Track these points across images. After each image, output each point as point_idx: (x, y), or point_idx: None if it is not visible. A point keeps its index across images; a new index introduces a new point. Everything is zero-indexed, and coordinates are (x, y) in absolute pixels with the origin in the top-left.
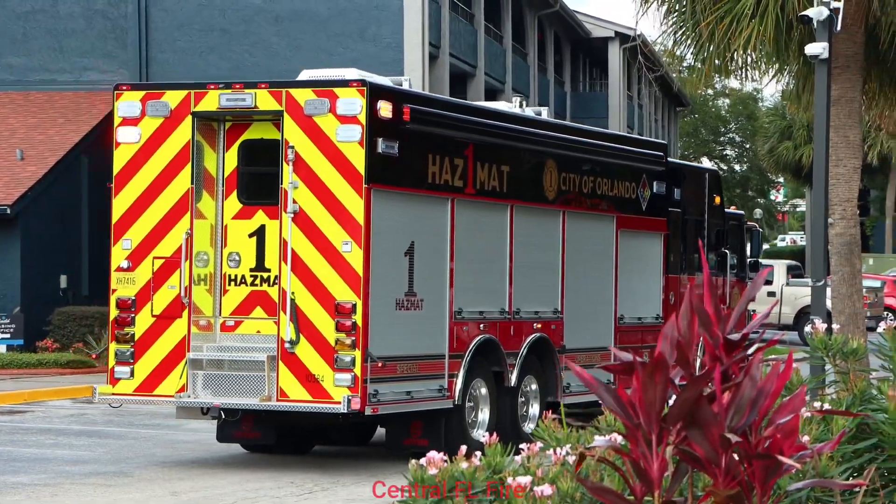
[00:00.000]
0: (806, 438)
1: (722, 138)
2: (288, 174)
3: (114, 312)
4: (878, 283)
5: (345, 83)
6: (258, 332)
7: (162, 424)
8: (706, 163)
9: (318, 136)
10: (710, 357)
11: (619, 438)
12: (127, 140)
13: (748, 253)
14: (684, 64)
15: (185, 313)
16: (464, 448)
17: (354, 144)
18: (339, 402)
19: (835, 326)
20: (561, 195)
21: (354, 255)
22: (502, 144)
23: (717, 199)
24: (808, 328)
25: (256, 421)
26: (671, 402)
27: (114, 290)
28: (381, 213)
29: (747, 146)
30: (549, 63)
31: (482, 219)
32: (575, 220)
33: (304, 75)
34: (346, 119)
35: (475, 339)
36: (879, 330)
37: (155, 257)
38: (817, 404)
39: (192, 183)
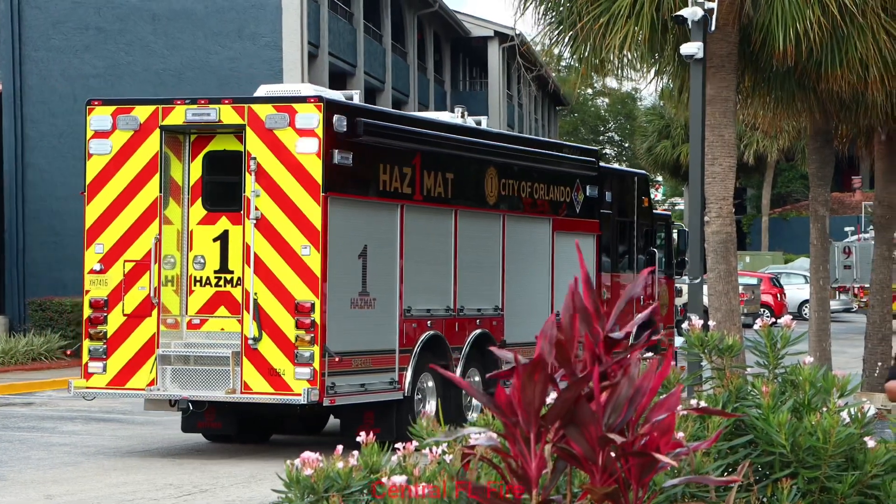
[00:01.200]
0: (682, 435)
1: (601, 137)
2: (251, 183)
3: (87, 312)
4: (754, 281)
5: (303, 99)
6: (222, 329)
7: (37, 427)
8: None
9: (278, 147)
10: (589, 355)
11: (496, 437)
12: (99, 151)
13: (675, 252)
14: (563, 63)
15: (155, 312)
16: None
17: (312, 156)
18: (300, 395)
19: (711, 323)
20: (501, 200)
21: (313, 258)
22: (447, 153)
23: (646, 201)
24: (684, 325)
25: (218, 412)
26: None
27: (87, 291)
28: (336, 218)
29: (626, 145)
30: (428, 62)
31: (429, 223)
32: (514, 222)
33: (262, 90)
34: (304, 132)
35: (423, 335)
36: (755, 327)
37: (126, 260)
38: (694, 402)
39: (160, 191)
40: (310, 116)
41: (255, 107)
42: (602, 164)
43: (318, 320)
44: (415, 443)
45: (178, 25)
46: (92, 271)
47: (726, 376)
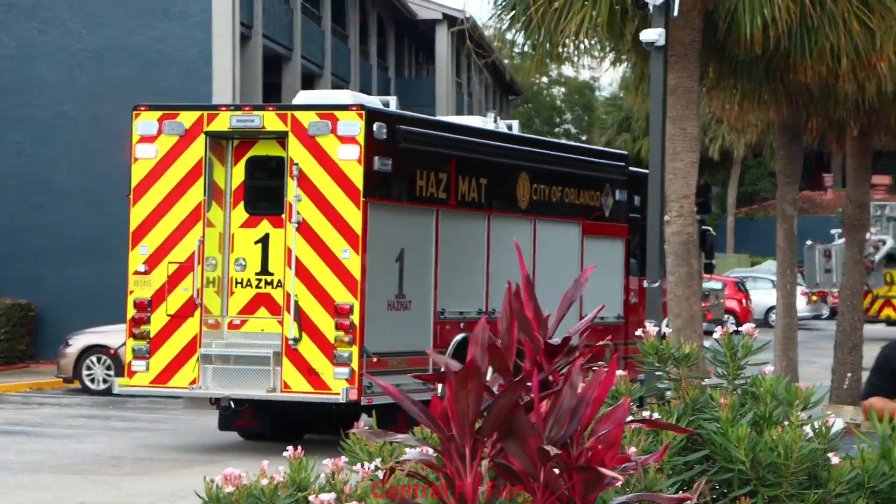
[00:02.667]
0: (633, 450)
1: (557, 129)
2: (293, 188)
3: (131, 312)
4: (718, 285)
5: (345, 107)
6: (262, 329)
7: None
8: None
9: (320, 154)
10: (530, 363)
11: (432, 451)
12: (144, 156)
13: (703, 255)
14: (516, 50)
15: (197, 313)
16: None
17: (353, 162)
18: (339, 394)
19: (667, 330)
20: (532, 204)
21: (353, 262)
22: (481, 159)
23: None
24: (638, 331)
25: (255, 411)
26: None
27: (131, 292)
28: (376, 223)
29: (584, 138)
30: (371, 47)
31: (463, 227)
32: (545, 226)
33: (301, 97)
34: (346, 139)
35: (456, 336)
36: (715, 335)
37: (170, 262)
38: (646, 413)
39: (204, 195)
40: (352, 124)
41: (298, 114)
42: (631, 168)
43: (356, 322)
44: (345, 458)
45: (98, 3)
46: (136, 272)
47: (682, 387)
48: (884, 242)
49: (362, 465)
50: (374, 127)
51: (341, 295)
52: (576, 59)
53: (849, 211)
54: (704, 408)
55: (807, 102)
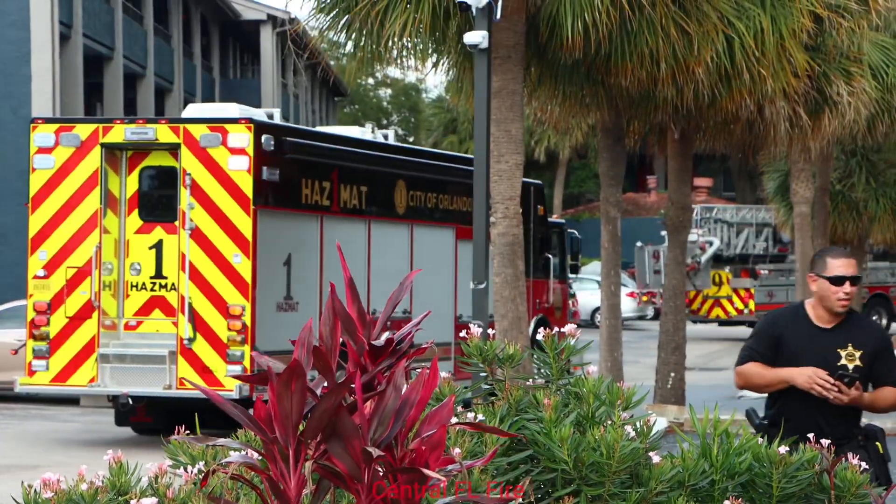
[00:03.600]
0: (458, 451)
1: (384, 131)
2: (185, 197)
3: (31, 314)
4: None
5: (235, 120)
6: (157, 330)
7: None
8: None
9: (211, 164)
10: (353, 365)
11: (256, 455)
12: (42, 166)
13: (568, 257)
14: (342, 51)
15: (95, 314)
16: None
17: (243, 172)
18: (232, 390)
19: (491, 332)
20: (409, 210)
21: (244, 266)
22: (361, 168)
23: (542, 210)
24: (462, 333)
25: (150, 408)
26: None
27: (30, 295)
28: (265, 229)
29: (410, 140)
30: (195, 47)
31: (345, 232)
32: (421, 231)
33: (192, 109)
34: (236, 151)
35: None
36: (539, 336)
37: (68, 266)
38: (471, 415)
39: (100, 203)
40: (241, 136)
41: (190, 127)
42: None
43: (248, 322)
44: (168, 462)
45: None
46: (36, 277)
47: (505, 388)
48: (711, 244)
49: (185, 469)
50: (263, 139)
51: (233, 297)
52: (399, 60)
53: (671, 213)
54: (528, 408)
55: (628, 106)
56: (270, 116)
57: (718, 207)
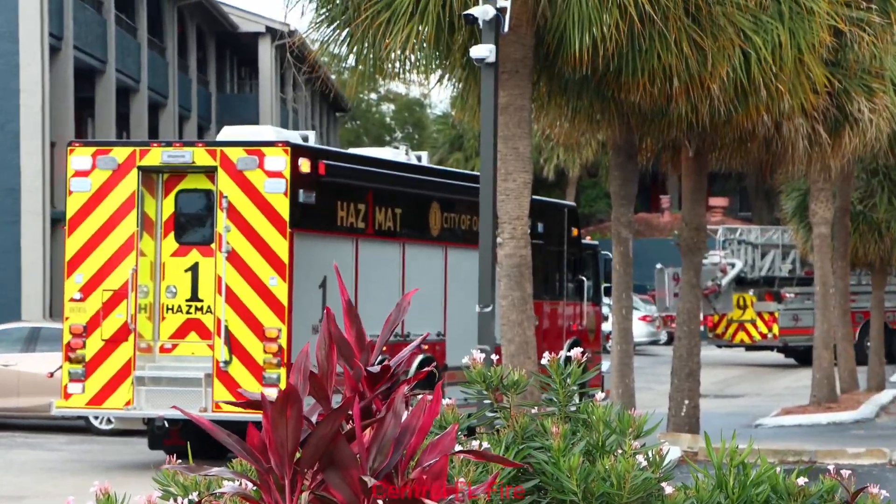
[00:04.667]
0: (462, 481)
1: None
2: (222, 220)
3: (67, 337)
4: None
5: (272, 143)
6: (192, 353)
7: None
8: None
9: (248, 187)
10: (350, 391)
11: (251, 485)
12: (79, 189)
13: (602, 279)
14: (343, 64)
15: (131, 337)
16: None
17: (280, 195)
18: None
19: (495, 357)
20: (443, 232)
21: (280, 289)
22: (396, 190)
23: (575, 231)
24: (465, 359)
25: (183, 431)
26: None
27: (67, 318)
28: (301, 252)
29: None
30: (190, 60)
31: (380, 254)
32: (455, 253)
33: (226, 132)
34: (272, 174)
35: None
36: (544, 360)
37: (104, 290)
38: (475, 443)
39: (137, 226)
40: (278, 159)
41: (227, 150)
42: (534, 196)
43: (284, 345)
44: (158, 493)
45: None
46: (72, 300)
47: (511, 415)
48: (733, 266)
49: (175, 500)
50: (299, 162)
51: (269, 320)
52: (403, 75)
53: (685, 233)
54: (535, 436)
55: (640, 122)
56: (305, 139)
57: (743, 228)
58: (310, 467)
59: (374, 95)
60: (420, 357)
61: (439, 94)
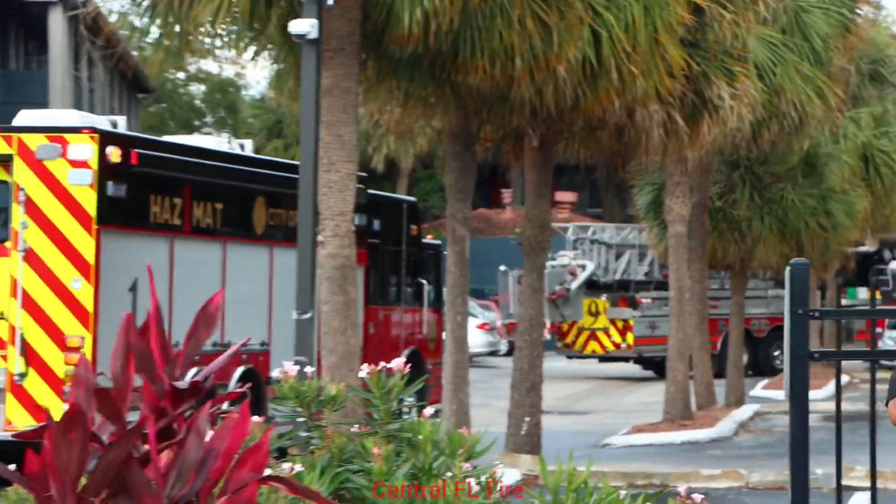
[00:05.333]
0: None
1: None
2: (19, 215)
3: None
4: None
5: (76, 130)
6: None
7: None
8: None
9: (48, 178)
10: (148, 408)
11: None
12: None
13: (444, 283)
14: (146, 39)
15: None
16: None
17: (85, 188)
18: None
19: (309, 369)
20: (269, 230)
21: (84, 292)
22: (216, 183)
23: (415, 230)
24: (275, 372)
25: None
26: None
27: None
28: (109, 251)
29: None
30: None
31: (199, 255)
32: (282, 253)
33: (23, 117)
34: (77, 163)
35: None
36: (362, 373)
37: None
38: (286, 466)
39: None
40: (83, 147)
41: (25, 136)
42: (372, 191)
43: (88, 356)
44: None
45: None
46: None
47: (327, 434)
48: (583, 268)
49: None
50: (108, 150)
51: (71, 327)
52: (214, 51)
53: (527, 231)
54: (354, 458)
55: (479, 108)
56: (115, 125)
57: (595, 227)
58: (96, 495)
59: (181, 75)
60: (241, 369)
61: (256, 74)
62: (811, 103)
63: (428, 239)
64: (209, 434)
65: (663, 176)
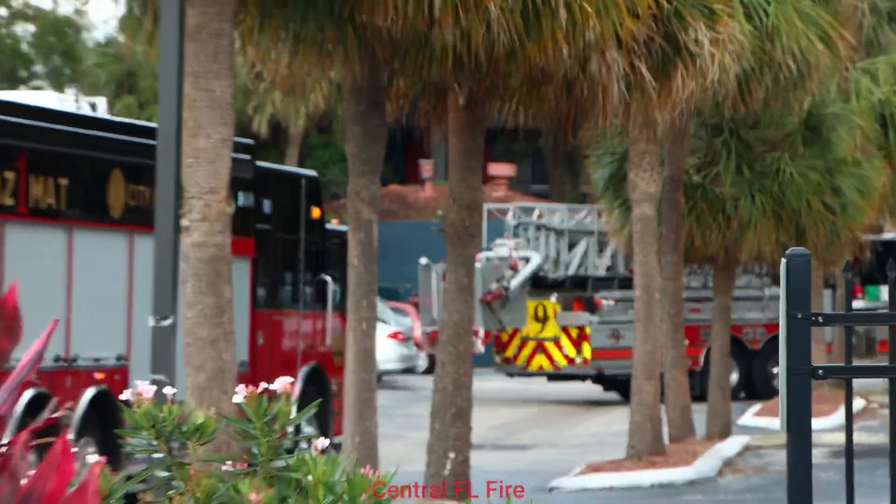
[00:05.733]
0: None
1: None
2: None
3: None
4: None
5: None
6: None
7: None
8: None
9: None
10: None
11: None
12: None
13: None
14: None
15: None
16: None
17: None
18: None
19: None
20: (128, 212)
21: None
22: (61, 153)
23: (317, 213)
24: (125, 394)
25: None
26: None
27: None
28: None
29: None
30: None
31: (37, 243)
32: (145, 242)
33: None
34: None
35: (23, 392)
36: (237, 397)
37: None
38: None
39: None
40: None
41: None
42: (261, 163)
43: None
44: None
45: None
46: None
47: (191, 475)
48: (527, 261)
49: None
50: None
51: None
52: None
53: (452, 214)
54: None
55: (390, 56)
56: None
57: (542, 208)
58: None
59: (3, 11)
60: (92, 391)
61: (101, 12)
62: (813, 50)
63: (333, 224)
64: (27, 474)
65: (626, 144)
